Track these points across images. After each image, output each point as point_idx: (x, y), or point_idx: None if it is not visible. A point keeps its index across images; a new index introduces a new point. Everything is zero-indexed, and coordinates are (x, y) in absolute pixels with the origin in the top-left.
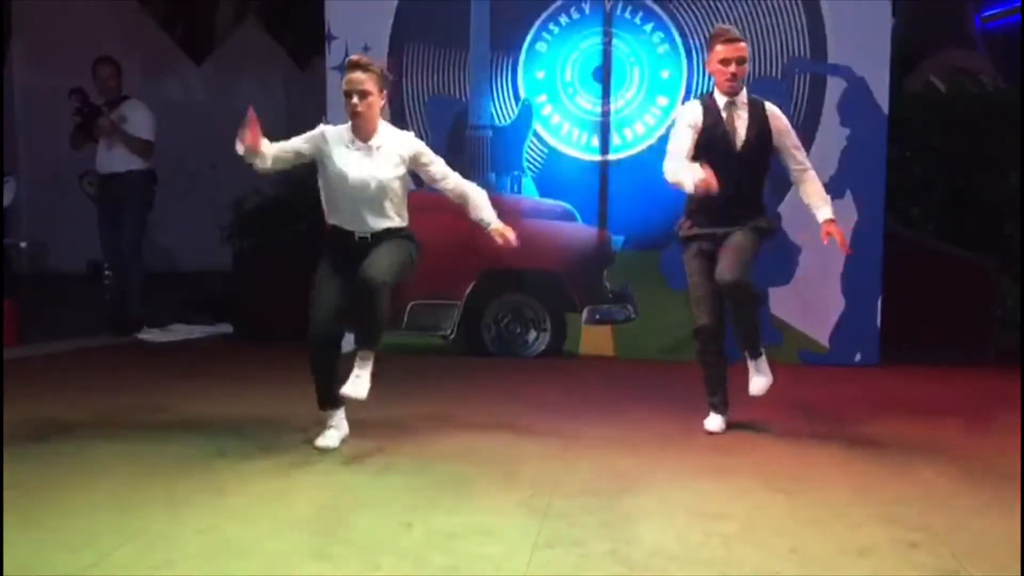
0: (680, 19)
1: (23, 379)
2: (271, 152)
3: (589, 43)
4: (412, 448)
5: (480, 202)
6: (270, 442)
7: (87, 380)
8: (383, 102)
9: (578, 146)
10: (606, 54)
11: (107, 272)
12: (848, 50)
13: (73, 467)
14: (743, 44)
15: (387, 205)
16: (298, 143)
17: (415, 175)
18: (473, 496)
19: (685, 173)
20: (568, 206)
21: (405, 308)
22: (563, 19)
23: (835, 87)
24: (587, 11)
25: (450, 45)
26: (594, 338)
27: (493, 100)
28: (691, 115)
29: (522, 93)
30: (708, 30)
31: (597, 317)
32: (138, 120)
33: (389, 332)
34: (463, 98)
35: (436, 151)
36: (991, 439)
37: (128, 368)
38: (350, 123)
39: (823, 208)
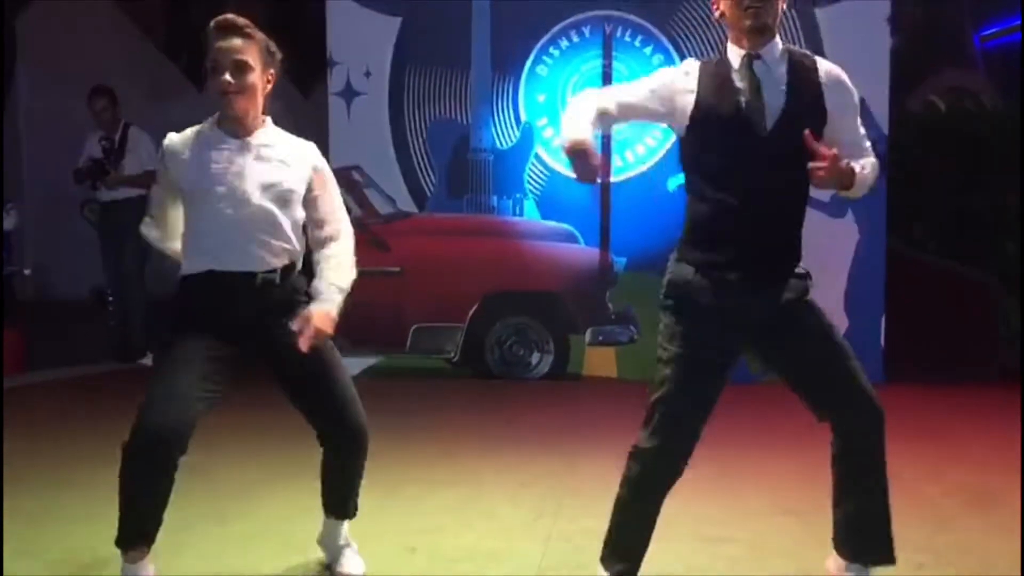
0: (679, 41)
1: (27, 406)
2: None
3: (589, 66)
4: (416, 472)
5: (333, 268)
6: (271, 469)
7: (90, 407)
8: (269, 88)
9: None
10: (606, 76)
11: (110, 299)
12: (847, 70)
13: (74, 494)
14: None
15: (286, 230)
16: (160, 197)
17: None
18: (477, 520)
19: (577, 125)
20: (570, 228)
21: (408, 331)
22: (563, 42)
23: None
24: (587, 34)
25: (451, 69)
26: (597, 360)
27: (495, 123)
28: (670, 75)
29: (523, 116)
30: (707, 52)
31: (600, 339)
32: (138, 153)
33: (393, 355)
34: (465, 122)
35: (439, 174)
36: (996, 459)
37: (131, 395)
38: (215, 116)
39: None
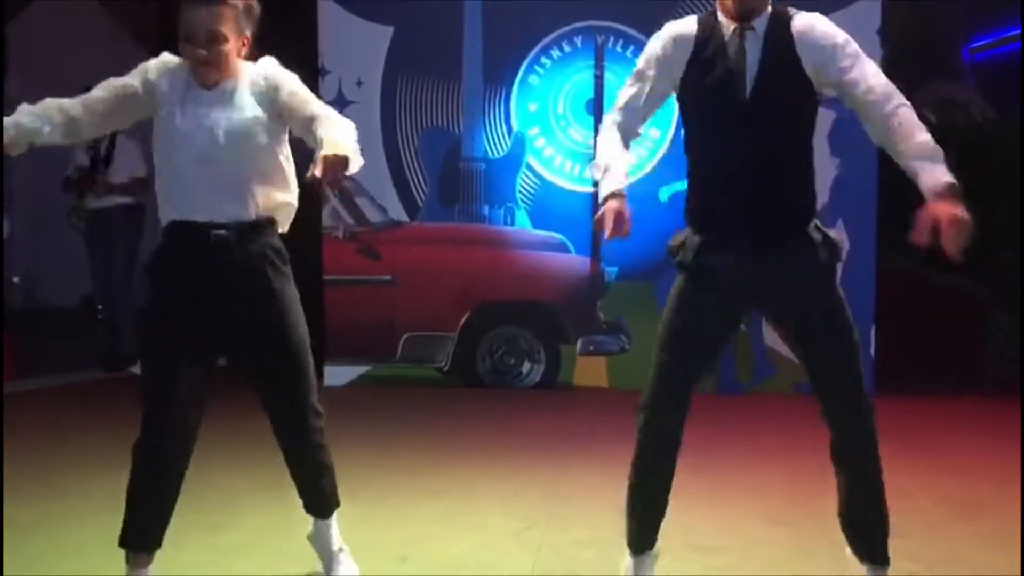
0: None
1: (15, 415)
2: (60, 117)
3: (581, 76)
4: (407, 481)
5: (335, 125)
6: (263, 476)
7: (79, 415)
8: (245, 50)
9: (571, 178)
10: (598, 87)
11: (99, 307)
12: None
13: (66, 504)
14: None
15: (252, 176)
16: (113, 84)
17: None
18: (468, 529)
19: (608, 175)
20: (561, 237)
21: (399, 340)
22: (555, 53)
23: (825, 118)
24: (579, 45)
25: (443, 78)
26: (588, 369)
27: (486, 132)
28: (666, 37)
29: (515, 125)
30: None
31: (591, 348)
32: (128, 160)
33: (384, 364)
34: (456, 131)
35: (430, 183)
36: (986, 470)
37: (120, 403)
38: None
39: (926, 167)
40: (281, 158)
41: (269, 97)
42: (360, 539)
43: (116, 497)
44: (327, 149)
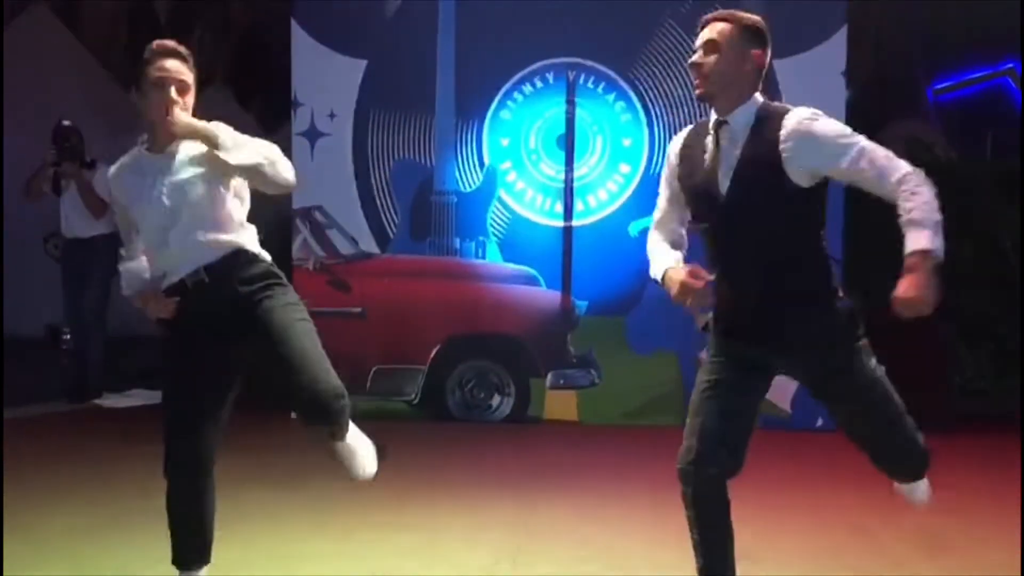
0: (641, 88)
1: None
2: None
3: (553, 111)
4: (375, 515)
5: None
6: (228, 511)
7: (43, 447)
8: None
9: (542, 212)
10: (569, 122)
11: (66, 336)
12: None
13: (26, 540)
14: (722, 25)
15: (205, 223)
16: (120, 218)
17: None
18: (435, 565)
19: (655, 263)
20: (532, 271)
21: (369, 372)
22: (527, 88)
23: None
24: (551, 80)
25: (416, 111)
26: (558, 403)
27: (458, 166)
28: (669, 152)
29: (487, 159)
30: (667, 99)
31: (561, 382)
32: (97, 180)
33: (354, 396)
34: (428, 164)
35: (401, 216)
36: (951, 504)
37: (86, 434)
38: (142, 138)
39: (909, 234)
40: (226, 199)
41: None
42: (325, 574)
43: (76, 531)
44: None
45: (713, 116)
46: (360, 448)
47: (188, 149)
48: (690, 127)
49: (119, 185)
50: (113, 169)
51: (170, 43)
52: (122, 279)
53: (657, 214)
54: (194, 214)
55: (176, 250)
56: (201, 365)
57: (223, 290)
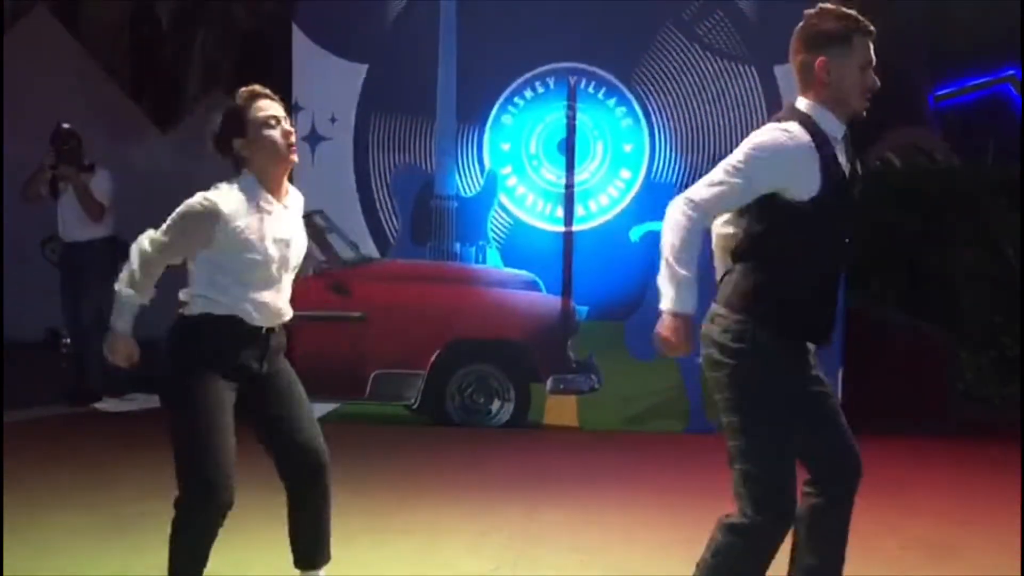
0: (642, 94)
1: None
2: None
3: (553, 116)
4: (375, 521)
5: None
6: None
7: (43, 450)
8: None
9: (542, 217)
10: (570, 127)
11: (65, 340)
12: None
13: (26, 540)
14: None
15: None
16: (170, 251)
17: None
18: (436, 570)
19: (675, 284)
20: (532, 276)
21: (369, 377)
22: (528, 93)
23: None
24: (552, 86)
25: (417, 116)
26: (558, 408)
27: (459, 171)
28: (783, 166)
29: (487, 164)
30: (668, 104)
31: (561, 387)
32: (95, 183)
33: (353, 401)
34: (429, 168)
35: (402, 220)
36: (954, 512)
37: (85, 438)
38: (256, 178)
39: None
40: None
41: None
42: None
43: (76, 533)
44: None
45: (837, 123)
46: None
47: (294, 199)
48: (803, 136)
49: (218, 222)
50: (220, 203)
51: (257, 88)
52: (117, 302)
53: (718, 199)
54: (297, 266)
55: (284, 295)
56: (230, 405)
57: (276, 342)
